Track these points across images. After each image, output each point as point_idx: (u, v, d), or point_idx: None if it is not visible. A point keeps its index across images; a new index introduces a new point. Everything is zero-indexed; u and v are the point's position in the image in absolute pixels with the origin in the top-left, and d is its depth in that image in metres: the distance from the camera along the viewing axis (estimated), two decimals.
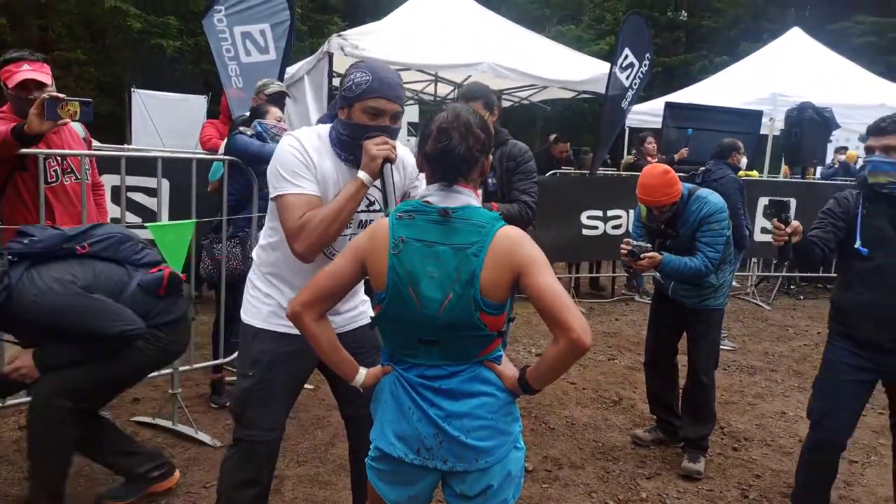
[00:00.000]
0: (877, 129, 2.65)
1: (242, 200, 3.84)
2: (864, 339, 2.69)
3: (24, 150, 2.87)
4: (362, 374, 1.79)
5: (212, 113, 5.94)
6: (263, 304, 2.21)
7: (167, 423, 3.61)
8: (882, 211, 2.66)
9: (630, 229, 3.63)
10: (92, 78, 20.52)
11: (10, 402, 3.16)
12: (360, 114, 2.00)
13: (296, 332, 1.86)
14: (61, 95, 2.74)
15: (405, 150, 2.24)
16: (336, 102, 2.11)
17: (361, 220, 2.18)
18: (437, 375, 1.68)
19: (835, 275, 3.48)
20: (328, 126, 2.14)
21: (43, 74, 2.96)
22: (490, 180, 3.29)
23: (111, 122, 19.03)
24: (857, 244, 2.65)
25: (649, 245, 3.41)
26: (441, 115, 1.67)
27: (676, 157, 7.06)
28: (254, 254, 2.31)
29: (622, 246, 3.40)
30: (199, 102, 8.55)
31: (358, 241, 1.72)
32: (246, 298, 2.28)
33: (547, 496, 3.19)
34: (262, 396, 2.19)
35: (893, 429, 2.91)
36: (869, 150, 2.71)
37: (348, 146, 2.06)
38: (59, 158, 3.05)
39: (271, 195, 2.07)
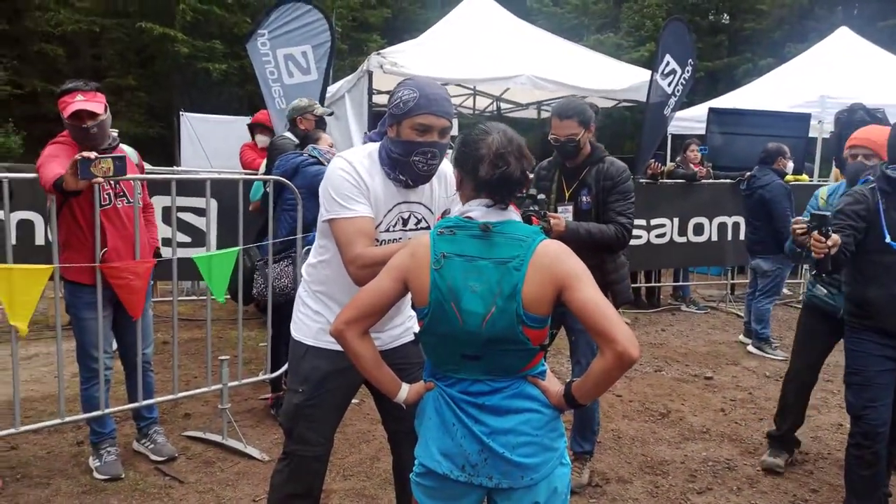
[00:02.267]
0: None
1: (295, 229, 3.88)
2: (891, 330, 2.76)
3: None
4: (405, 390, 1.79)
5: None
6: (313, 322, 2.23)
7: (217, 438, 3.68)
8: None
9: None
10: (142, 103, 21.27)
11: (67, 419, 3.28)
12: (408, 131, 2.02)
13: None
14: (93, 155, 2.83)
15: (447, 164, 2.25)
16: (384, 121, 2.13)
17: (396, 239, 2.20)
18: (481, 391, 1.67)
19: None
20: (377, 144, 2.15)
21: (95, 104, 3.08)
22: (584, 198, 3.23)
23: (161, 145, 19.66)
24: (888, 239, 2.69)
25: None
26: (492, 137, 1.67)
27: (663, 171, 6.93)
28: (303, 270, 2.33)
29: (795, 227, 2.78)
30: (244, 124, 8.78)
31: (400, 259, 1.73)
32: (296, 315, 2.30)
33: None
34: (311, 413, 2.22)
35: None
36: None
37: (399, 164, 2.07)
38: (111, 183, 3.16)
39: (323, 218, 2.11)
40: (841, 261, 2.70)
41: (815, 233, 2.59)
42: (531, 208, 3.07)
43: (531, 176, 1.74)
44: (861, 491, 2.89)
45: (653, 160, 6.90)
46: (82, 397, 3.32)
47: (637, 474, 3.54)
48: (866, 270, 2.82)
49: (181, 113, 8.28)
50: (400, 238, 2.18)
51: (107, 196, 3.17)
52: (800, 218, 2.96)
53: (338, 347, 2.06)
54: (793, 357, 3.76)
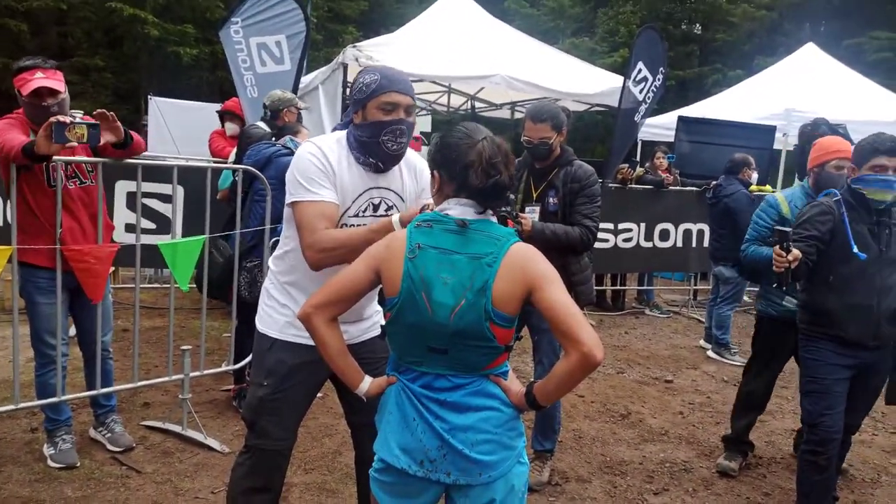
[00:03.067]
0: (891, 150, 2.76)
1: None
2: (850, 339, 2.85)
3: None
4: (367, 382, 1.79)
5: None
6: (279, 315, 2.21)
7: (177, 428, 3.63)
8: (862, 218, 2.85)
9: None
10: (109, 84, 20.78)
11: (21, 405, 3.20)
12: (375, 111, 2.03)
13: (311, 342, 1.88)
14: (68, 119, 2.75)
15: (418, 158, 2.27)
16: (350, 111, 2.14)
17: (365, 224, 2.17)
18: (442, 387, 1.69)
19: None
20: (338, 134, 2.17)
21: (56, 82, 2.99)
22: (551, 200, 3.26)
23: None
24: (855, 250, 2.77)
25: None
26: (481, 144, 1.66)
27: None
28: (270, 262, 2.32)
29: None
30: (213, 110, 8.63)
31: (375, 249, 1.73)
32: (261, 307, 2.28)
33: None
34: (275, 406, 2.20)
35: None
36: (880, 169, 2.79)
37: (367, 147, 2.08)
38: (63, 164, 3.06)
39: (287, 201, 2.10)
40: (801, 272, 2.78)
41: (777, 247, 2.67)
42: (504, 209, 3.10)
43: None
44: (813, 495, 2.98)
45: (625, 165, 6.99)
46: (37, 383, 3.23)
47: (596, 474, 3.60)
48: (827, 281, 2.89)
49: (149, 97, 8.10)
50: (368, 223, 2.16)
51: (59, 177, 3.05)
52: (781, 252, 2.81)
53: (304, 341, 2.06)
54: (755, 366, 3.85)
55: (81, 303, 3.28)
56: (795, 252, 2.66)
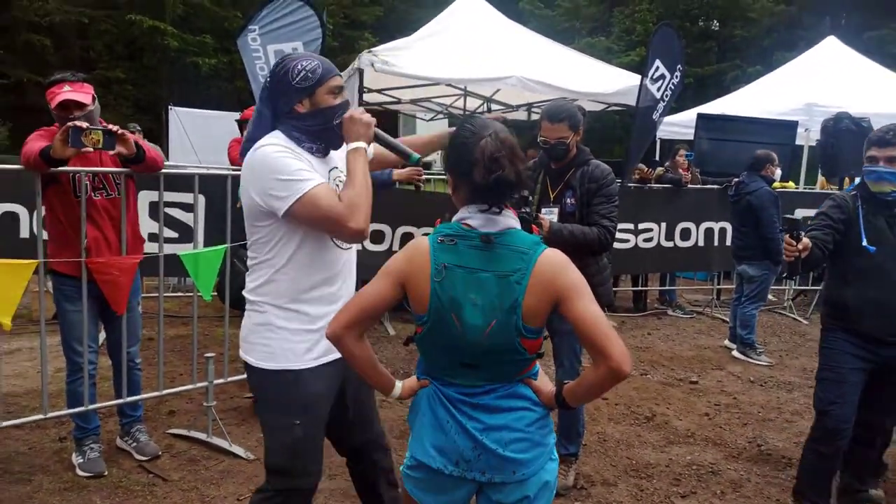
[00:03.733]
0: (882, 141, 2.81)
1: None
2: (865, 333, 2.84)
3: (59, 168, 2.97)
4: (398, 387, 1.81)
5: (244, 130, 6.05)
6: (296, 343, 2.06)
7: (202, 436, 3.66)
8: (879, 212, 2.85)
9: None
10: (130, 96, 21.12)
11: (50, 414, 3.25)
12: (325, 97, 2.02)
13: (332, 355, 1.87)
14: (85, 124, 2.83)
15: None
16: (260, 116, 2.08)
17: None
18: (475, 392, 1.71)
19: None
20: (276, 134, 2.04)
21: (83, 95, 3.06)
22: (569, 200, 3.24)
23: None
24: (864, 242, 2.77)
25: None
26: (484, 141, 1.64)
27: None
28: (249, 295, 2.10)
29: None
30: (233, 119, 8.72)
31: (397, 264, 1.70)
32: (267, 344, 2.06)
33: None
34: (313, 443, 2.11)
35: (858, 427, 2.97)
36: (873, 160, 2.84)
37: (321, 135, 2.06)
38: (90, 175, 3.14)
39: (290, 203, 1.93)
40: (817, 259, 2.77)
41: (787, 236, 2.66)
42: (524, 210, 3.09)
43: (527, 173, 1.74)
44: (812, 482, 2.99)
45: (645, 166, 6.93)
46: (67, 392, 3.29)
47: (622, 477, 3.56)
48: (843, 274, 2.91)
49: (169, 106, 8.21)
50: None
51: (84, 187, 3.12)
52: (791, 241, 2.80)
53: (327, 358, 2.05)
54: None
55: (110, 313, 3.33)
56: (805, 241, 2.65)
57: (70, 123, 2.79)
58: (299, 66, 2.00)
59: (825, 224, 2.85)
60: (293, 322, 2.06)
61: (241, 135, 6.01)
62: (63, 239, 3.12)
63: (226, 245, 3.63)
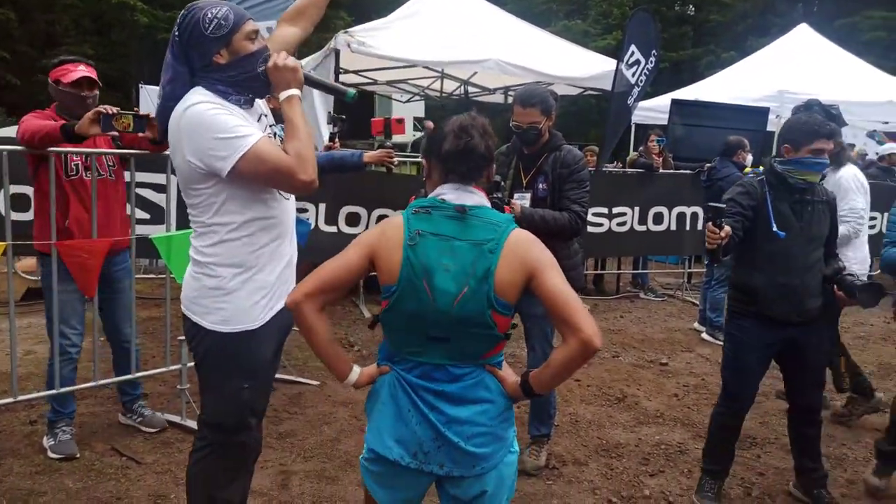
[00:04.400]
0: (830, 134, 2.90)
1: None
2: (774, 316, 2.95)
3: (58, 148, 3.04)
4: (356, 372, 1.76)
5: None
6: (250, 305, 2.04)
7: (175, 418, 3.65)
8: (784, 198, 2.94)
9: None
10: (98, 72, 20.59)
11: (20, 397, 3.21)
12: (243, 43, 1.94)
13: (278, 307, 1.94)
14: (114, 110, 2.92)
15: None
16: (176, 74, 1.97)
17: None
18: (441, 378, 1.68)
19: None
20: (200, 90, 1.95)
21: (94, 75, 3.20)
22: (541, 185, 3.26)
23: None
24: (774, 228, 2.88)
25: None
26: (454, 117, 1.72)
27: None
28: (205, 257, 2.04)
29: None
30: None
31: (368, 236, 1.70)
32: (222, 308, 2.03)
33: (551, 493, 3.22)
34: (261, 402, 2.15)
35: (792, 412, 3.26)
36: (818, 153, 2.90)
37: (246, 84, 1.98)
38: (83, 156, 3.19)
39: (234, 162, 1.86)
40: (730, 247, 2.85)
41: (710, 224, 2.72)
42: (496, 195, 3.10)
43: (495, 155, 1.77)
44: (716, 448, 3.22)
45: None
46: (49, 373, 3.27)
47: (592, 457, 3.64)
48: (752, 259, 3.00)
49: (140, 85, 8.04)
50: None
51: (74, 167, 3.15)
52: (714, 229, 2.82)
53: (275, 309, 2.06)
54: None
55: (104, 294, 3.36)
56: (727, 228, 2.71)
57: (101, 108, 2.88)
58: (209, 15, 1.90)
59: (735, 211, 2.92)
60: (248, 284, 2.03)
61: None
62: (49, 216, 3.11)
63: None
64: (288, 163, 1.90)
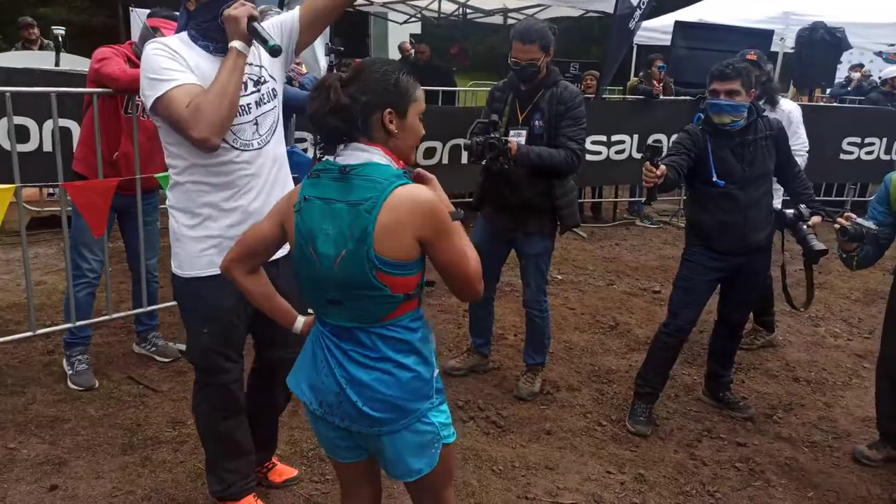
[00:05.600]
0: (722, 75, 2.99)
1: None
2: (720, 248, 3.18)
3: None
4: (300, 322, 1.84)
5: None
6: (197, 252, 2.14)
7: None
8: (724, 144, 3.09)
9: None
10: None
11: (39, 331, 3.35)
12: None
13: None
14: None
15: (275, 15, 2.22)
16: (179, 17, 2.09)
17: (250, 104, 2.11)
18: (346, 338, 1.66)
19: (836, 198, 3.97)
20: (182, 33, 2.09)
21: None
22: (537, 122, 3.27)
23: (107, 37, 18.49)
24: (714, 178, 3.07)
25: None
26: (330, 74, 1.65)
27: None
28: (169, 201, 2.19)
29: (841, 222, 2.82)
30: None
31: (279, 203, 1.73)
32: (177, 252, 2.19)
33: (544, 417, 3.43)
34: (220, 347, 2.23)
35: (719, 325, 3.54)
36: (714, 94, 3.02)
37: (213, 31, 2.01)
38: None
39: (149, 104, 1.98)
40: (674, 182, 3.01)
41: (647, 163, 2.82)
42: (493, 136, 3.14)
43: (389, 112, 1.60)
44: (654, 369, 3.41)
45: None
46: (67, 298, 3.40)
47: (585, 382, 3.83)
48: (699, 200, 3.23)
49: (130, 8, 7.80)
50: (249, 104, 2.09)
51: (135, 105, 3.28)
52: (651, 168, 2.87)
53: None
54: (883, 340, 3.22)
55: (128, 225, 3.55)
56: (662, 167, 2.84)
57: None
58: None
59: (682, 150, 3.09)
60: (194, 230, 2.13)
61: None
62: (93, 148, 3.24)
63: None
64: (183, 115, 1.92)
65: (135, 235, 3.56)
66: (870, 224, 2.82)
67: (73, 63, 6.25)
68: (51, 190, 5.86)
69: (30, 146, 4.32)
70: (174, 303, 3.77)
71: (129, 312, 3.75)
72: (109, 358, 3.75)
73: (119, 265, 4.52)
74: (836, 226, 2.85)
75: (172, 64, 1.96)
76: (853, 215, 2.87)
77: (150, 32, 3.22)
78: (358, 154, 1.60)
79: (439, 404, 1.73)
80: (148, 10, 3.36)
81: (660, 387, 3.43)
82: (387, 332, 1.64)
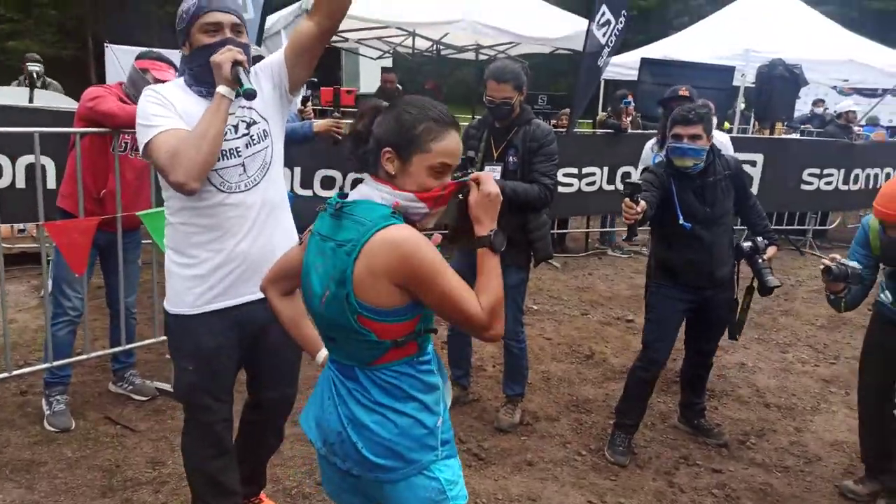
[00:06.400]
0: (685, 120, 3.09)
1: None
2: (688, 284, 3.29)
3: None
4: (321, 355, 1.79)
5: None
6: (185, 289, 2.16)
7: (165, 387, 3.76)
8: (687, 186, 3.19)
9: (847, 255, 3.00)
10: (52, 21, 19.76)
11: (15, 372, 3.31)
12: (199, 36, 2.03)
13: (220, 303, 2.04)
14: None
15: (268, 58, 2.25)
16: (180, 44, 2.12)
17: (239, 147, 2.11)
18: (349, 377, 1.60)
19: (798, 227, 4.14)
20: (175, 80, 2.18)
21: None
22: (511, 158, 3.38)
23: (76, 69, 18.41)
24: (681, 220, 3.16)
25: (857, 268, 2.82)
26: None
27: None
28: (164, 241, 2.25)
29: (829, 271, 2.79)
30: (174, 57, 8.39)
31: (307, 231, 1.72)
32: (168, 288, 2.21)
33: (525, 447, 3.46)
34: (206, 386, 2.23)
35: (690, 355, 3.64)
36: (677, 138, 3.12)
37: (206, 75, 2.04)
38: (134, 135, 3.37)
39: (142, 150, 2.05)
40: (649, 217, 3.10)
41: (628, 199, 2.88)
42: (470, 171, 3.21)
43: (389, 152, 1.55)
44: (632, 403, 3.45)
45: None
46: (46, 341, 3.36)
47: (563, 412, 3.89)
48: (665, 239, 3.31)
49: (106, 45, 7.81)
50: (238, 147, 2.11)
51: (123, 144, 3.33)
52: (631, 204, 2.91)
53: (219, 305, 2.13)
54: (862, 373, 3.21)
55: (109, 263, 3.55)
56: (643, 203, 2.92)
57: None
58: (182, 8, 2.03)
59: (651, 188, 3.15)
60: (183, 269, 2.16)
61: None
62: (83, 185, 3.27)
63: None
64: (165, 159, 1.96)
65: (113, 273, 3.55)
66: (854, 264, 2.82)
67: (47, 99, 6.24)
68: (21, 226, 5.80)
69: (2, 182, 4.30)
70: (152, 340, 3.82)
71: (108, 351, 3.70)
72: (85, 397, 3.70)
73: (92, 301, 4.47)
74: (821, 266, 2.86)
75: (160, 110, 2.01)
76: (837, 256, 2.86)
77: (139, 74, 3.27)
78: (361, 189, 1.57)
79: (446, 457, 1.61)
80: (124, 48, 3.44)
81: (638, 419, 3.49)
82: (379, 376, 1.56)
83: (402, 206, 1.51)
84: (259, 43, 5.39)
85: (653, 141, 4.56)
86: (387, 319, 1.50)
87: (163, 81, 3.30)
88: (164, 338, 3.67)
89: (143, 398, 3.68)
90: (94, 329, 4.25)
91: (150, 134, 1.99)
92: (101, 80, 9.30)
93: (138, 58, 3.40)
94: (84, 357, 3.55)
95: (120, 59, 7.10)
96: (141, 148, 2.05)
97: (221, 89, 1.99)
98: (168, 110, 2.02)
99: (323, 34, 2.11)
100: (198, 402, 2.27)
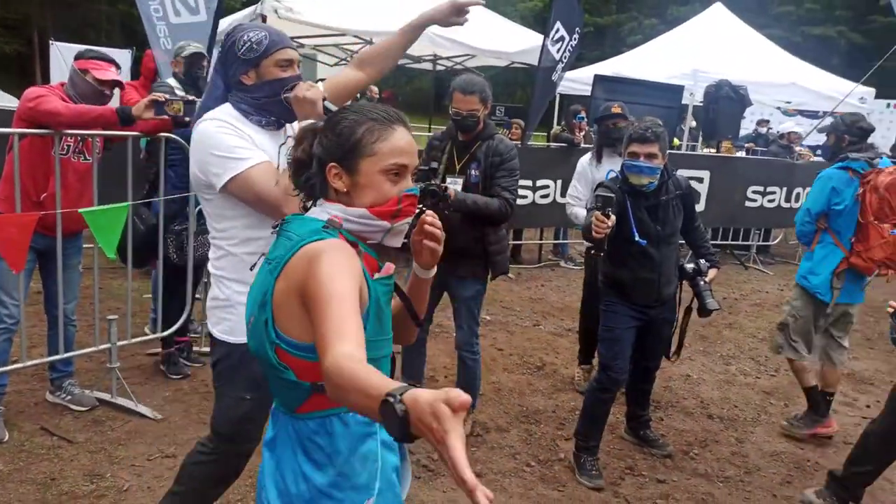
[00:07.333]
0: (642, 139, 3.13)
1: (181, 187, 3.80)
2: (637, 302, 3.33)
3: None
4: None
5: (136, 72, 5.73)
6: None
7: (105, 396, 3.66)
8: (640, 204, 3.24)
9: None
10: None
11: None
12: (272, 69, 2.05)
13: None
14: (163, 97, 3.16)
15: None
16: (213, 86, 2.13)
17: None
18: (276, 421, 1.42)
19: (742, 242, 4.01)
20: (225, 107, 2.09)
21: (119, 78, 3.48)
22: (473, 172, 3.40)
23: (19, 65, 17.80)
24: (637, 238, 3.19)
25: None
26: None
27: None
28: (216, 269, 2.15)
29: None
30: (122, 57, 8.16)
31: None
32: (228, 319, 2.13)
33: (475, 459, 3.47)
34: (260, 417, 2.14)
35: (635, 370, 3.56)
36: (633, 155, 3.17)
37: (268, 107, 2.06)
38: (77, 137, 3.30)
39: (224, 181, 1.97)
40: (610, 235, 3.11)
41: (599, 213, 2.92)
42: (432, 183, 3.24)
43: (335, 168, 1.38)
44: (591, 425, 3.45)
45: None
46: None
47: (514, 423, 3.91)
48: (618, 255, 3.31)
49: (52, 42, 7.56)
50: None
51: (66, 146, 3.24)
52: (603, 218, 2.96)
53: None
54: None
55: (48, 268, 3.43)
56: (613, 217, 2.97)
57: (155, 96, 3.16)
58: (245, 38, 2.02)
59: (608, 205, 3.17)
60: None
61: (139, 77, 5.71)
62: (21, 189, 3.15)
63: (128, 203, 3.54)
64: (275, 196, 1.95)
65: (52, 278, 3.43)
66: None
67: None
68: None
69: None
70: (92, 349, 3.70)
71: (46, 359, 3.56)
72: (20, 407, 3.55)
73: (30, 307, 4.30)
74: (889, 309, 2.77)
75: (241, 142, 1.99)
76: None
77: (79, 74, 3.19)
78: (312, 211, 1.40)
79: None
80: (71, 45, 3.37)
81: (599, 439, 3.47)
82: (301, 428, 1.32)
83: (354, 223, 1.33)
84: (211, 46, 5.31)
85: (589, 155, 4.62)
86: (304, 355, 1.26)
87: (105, 81, 3.28)
88: (106, 345, 3.61)
89: (82, 408, 3.56)
90: (32, 336, 4.09)
91: (238, 167, 1.96)
92: (46, 78, 9.00)
93: (77, 57, 3.32)
94: (20, 365, 3.41)
95: (66, 57, 6.90)
96: (221, 180, 1.97)
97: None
98: (248, 142, 2.01)
99: (365, 86, 2.41)
100: (248, 432, 2.20)
